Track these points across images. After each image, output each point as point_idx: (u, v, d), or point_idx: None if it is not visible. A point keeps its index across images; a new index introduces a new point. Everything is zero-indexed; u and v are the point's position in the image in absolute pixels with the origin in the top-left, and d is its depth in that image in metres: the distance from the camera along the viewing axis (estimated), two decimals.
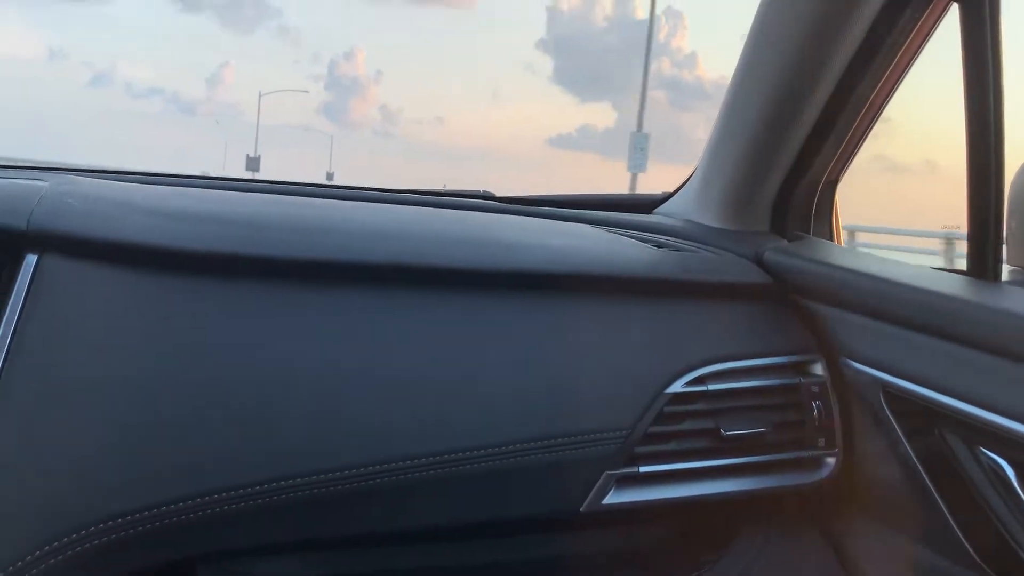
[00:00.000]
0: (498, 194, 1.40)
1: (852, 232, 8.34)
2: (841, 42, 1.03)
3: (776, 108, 1.10)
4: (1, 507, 0.74)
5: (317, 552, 0.96)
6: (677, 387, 0.98)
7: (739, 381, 1.02)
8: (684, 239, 1.23)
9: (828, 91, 1.07)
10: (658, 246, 1.17)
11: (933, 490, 0.93)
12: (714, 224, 1.26)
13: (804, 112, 1.09)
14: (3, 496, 0.74)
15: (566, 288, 1.01)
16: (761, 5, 1.06)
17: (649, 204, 1.44)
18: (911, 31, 1.03)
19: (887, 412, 0.97)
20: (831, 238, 1.25)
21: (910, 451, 0.95)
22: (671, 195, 1.42)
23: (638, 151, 14.34)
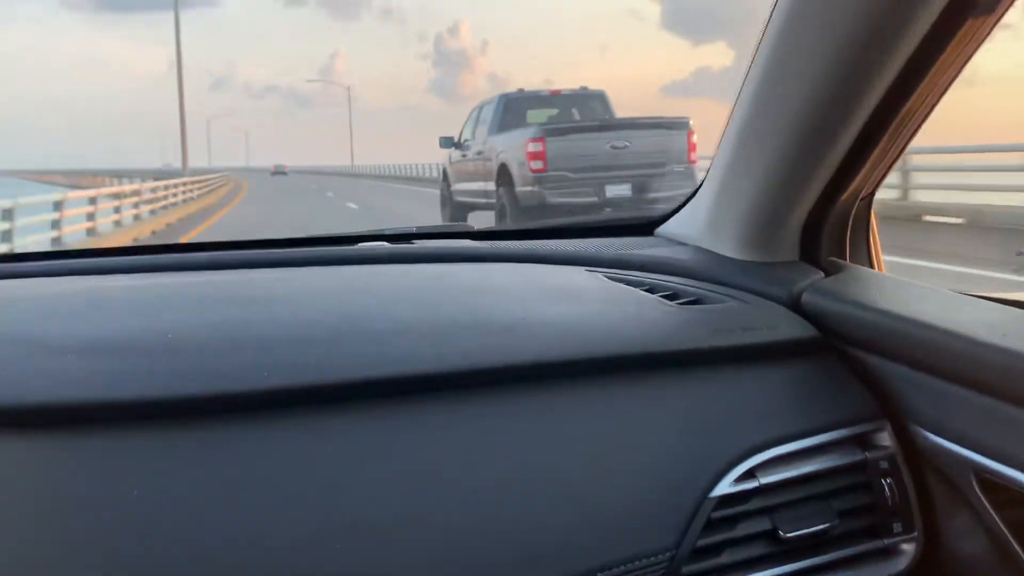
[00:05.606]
0: None
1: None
2: (901, 34, 0.84)
3: (816, 119, 0.90)
4: None
5: None
6: (724, 487, 0.80)
7: (794, 468, 0.84)
8: (702, 280, 1.04)
9: (878, 97, 0.88)
10: (673, 296, 0.98)
11: None
12: (733, 254, 1.07)
13: (850, 122, 0.90)
14: None
15: (574, 376, 0.83)
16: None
17: (648, 225, 1.25)
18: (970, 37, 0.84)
19: (980, 496, 0.80)
20: (870, 264, 1.07)
21: (1012, 541, 0.79)
22: (673, 212, 1.23)
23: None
